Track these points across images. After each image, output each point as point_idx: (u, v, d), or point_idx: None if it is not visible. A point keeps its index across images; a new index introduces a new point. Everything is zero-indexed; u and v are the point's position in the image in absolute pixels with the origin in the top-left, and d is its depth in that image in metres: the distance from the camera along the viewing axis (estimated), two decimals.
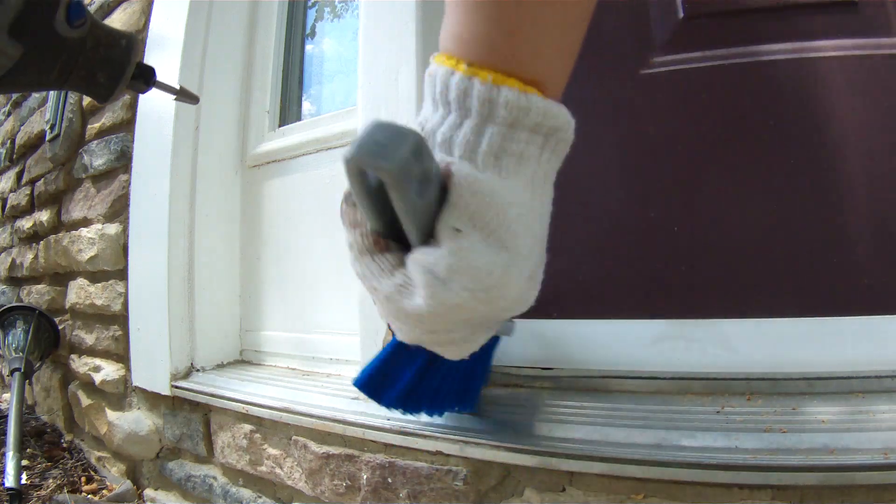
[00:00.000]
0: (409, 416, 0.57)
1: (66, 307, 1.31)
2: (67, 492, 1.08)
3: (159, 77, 0.55)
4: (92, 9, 1.28)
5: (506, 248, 0.28)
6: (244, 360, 1.02)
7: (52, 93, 1.36)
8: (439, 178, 0.28)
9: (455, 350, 0.35)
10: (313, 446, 0.69)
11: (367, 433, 0.62)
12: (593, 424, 0.49)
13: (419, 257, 0.28)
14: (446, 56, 0.30)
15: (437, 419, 0.56)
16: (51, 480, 1.12)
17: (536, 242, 0.31)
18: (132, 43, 0.50)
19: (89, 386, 1.19)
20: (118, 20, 1.18)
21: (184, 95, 0.62)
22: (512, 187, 0.29)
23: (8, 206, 1.73)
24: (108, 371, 1.11)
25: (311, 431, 0.69)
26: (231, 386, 0.83)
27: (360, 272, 0.31)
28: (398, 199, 0.27)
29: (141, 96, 1.06)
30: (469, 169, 0.28)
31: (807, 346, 0.52)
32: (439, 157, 0.29)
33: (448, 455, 0.56)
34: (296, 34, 1.09)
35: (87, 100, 1.25)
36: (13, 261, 1.68)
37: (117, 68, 0.49)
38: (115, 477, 1.10)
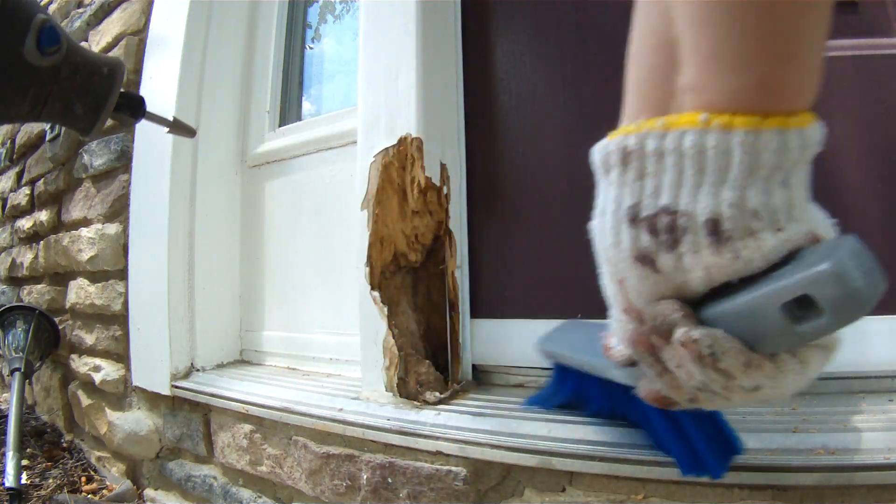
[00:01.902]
0: (412, 417, 0.57)
1: (66, 307, 1.31)
2: (67, 492, 1.08)
3: (158, 87, 0.52)
4: (92, 9, 1.28)
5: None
6: (244, 359, 1.02)
7: None
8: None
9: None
10: (313, 446, 0.69)
11: (367, 433, 0.62)
12: (593, 424, 0.49)
13: (792, 366, 0.27)
14: (689, 117, 0.26)
15: (436, 419, 0.56)
16: (51, 480, 1.12)
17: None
18: (115, 71, 0.45)
19: (89, 386, 1.19)
20: (118, 20, 1.18)
21: (178, 128, 0.57)
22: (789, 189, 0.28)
23: (8, 205, 1.73)
24: (108, 371, 1.11)
25: (311, 431, 0.69)
26: (231, 386, 0.83)
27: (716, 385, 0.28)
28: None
29: (141, 92, 1.06)
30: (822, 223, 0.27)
31: None
32: (797, 229, 0.26)
33: (448, 455, 0.56)
34: (296, 34, 1.09)
35: None
36: (13, 261, 1.68)
37: (97, 99, 0.44)
38: (115, 477, 1.10)
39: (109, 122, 0.60)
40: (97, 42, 1.24)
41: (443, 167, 0.69)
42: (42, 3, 1.60)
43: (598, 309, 0.62)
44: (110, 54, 1.16)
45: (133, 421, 1.03)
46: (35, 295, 1.50)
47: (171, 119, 0.54)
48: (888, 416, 0.44)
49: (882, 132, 0.54)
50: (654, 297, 0.28)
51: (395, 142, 0.67)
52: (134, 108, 0.48)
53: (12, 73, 0.39)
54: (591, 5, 0.67)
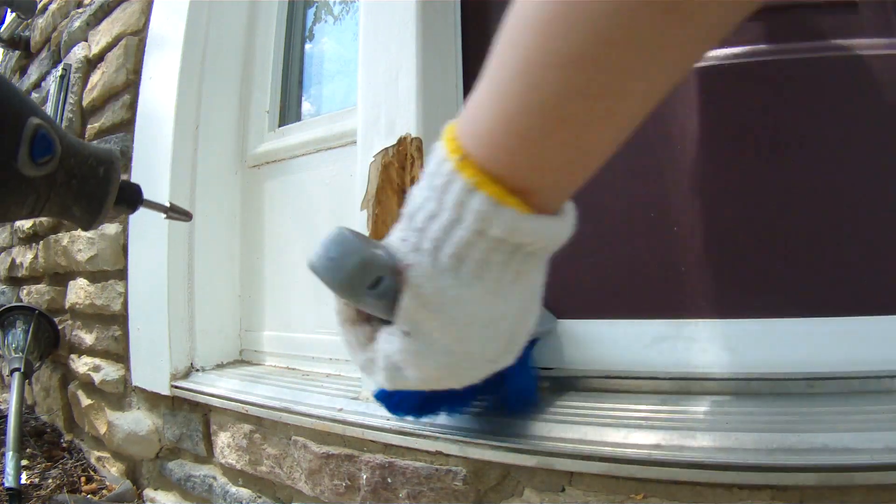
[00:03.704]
0: (411, 416, 0.57)
1: (66, 307, 1.31)
2: (67, 492, 1.08)
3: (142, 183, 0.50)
4: (91, 9, 1.28)
5: (452, 353, 0.28)
6: (244, 359, 1.02)
7: (51, 92, 1.35)
8: (396, 278, 0.28)
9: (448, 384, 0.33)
10: (313, 446, 0.69)
11: (367, 433, 0.62)
12: (593, 424, 0.49)
13: (381, 344, 0.30)
14: (453, 136, 0.28)
15: (437, 419, 0.56)
16: (50, 480, 1.12)
17: (499, 338, 0.30)
18: (110, 170, 0.45)
19: (89, 386, 1.19)
20: (118, 20, 1.18)
21: (175, 212, 0.56)
22: (469, 293, 0.28)
23: None
24: (107, 371, 1.11)
25: (311, 431, 0.69)
26: (231, 386, 0.83)
27: (342, 339, 0.33)
28: (354, 303, 0.30)
29: (140, 92, 1.06)
30: (425, 271, 0.27)
31: (807, 346, 0.52)
32: (404, 251, 0.28)
33: (448, 455, 0.56)
34: (295, 34, 1.09)
35: (87, 99, 1.25)
36: (13, 261, 1.68)
37: (94, 202, 0.44)
38: (114, 477, 1.10)
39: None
40: (97, 42, 1.24)
41: None
42: (41, 5, 1.60)
43: (590, 309, 0.62)
44: (109, 55, 1.16)
45: (133, 421, 1.03)
46: (35, 295, 1.50)
47: (167, 205, 0.55)
48: (888, 416, 0.44)
49: (882, 132, 0.54)
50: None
51: (394, 142, 0.67)
52: (131, 200, 0.49)
53: (8, 187, 0.39)
54: None
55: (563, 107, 0.24)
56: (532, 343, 0.51)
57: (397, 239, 0.29)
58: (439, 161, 0.28)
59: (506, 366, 0.31)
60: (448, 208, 0.27)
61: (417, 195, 0.29)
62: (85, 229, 0.46)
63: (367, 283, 0.28)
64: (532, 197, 0.27)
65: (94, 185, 0.44)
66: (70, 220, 0.45)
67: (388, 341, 0.29)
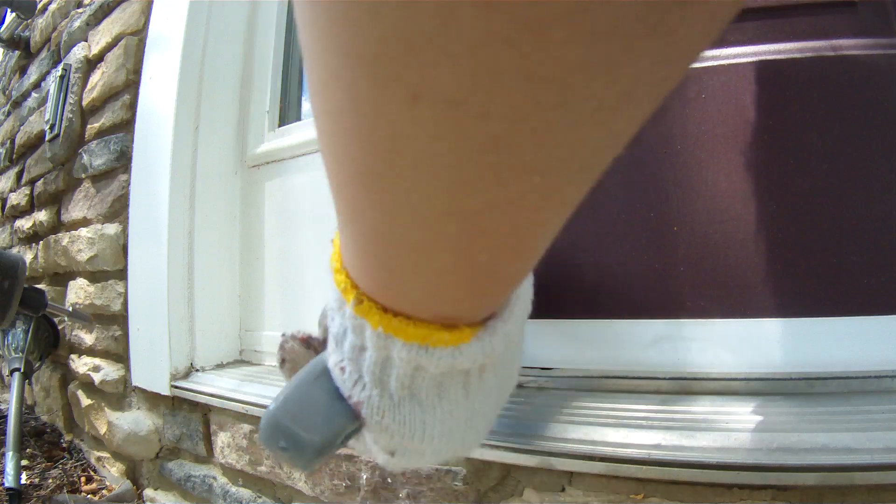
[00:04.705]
0: None
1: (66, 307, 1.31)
2: (67, 492, 1.08)
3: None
4: (91, 9, 1.28)
5: (439, 452, 0.28)
6: (244, 359, 1.02)
7: (51, 92, 1.35)
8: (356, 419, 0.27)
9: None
10: None
11: None
12: (593, 424, 0.49)
13: (371, 448, 0.28)
14: (340, 265, 0.24)
15: None
16: (50, 480, 1.12)
17: (481, 427, 0.29)
18: (14, 285, 0.53)
19: (89, 386, 1.19)
20: (117, 20, 1.18)
21: (76, 317, 0.67)
22: (435, 413, 0.26)
23: (7, 206, 1.72)
24: (107, 371, 1.11)
25: None
26: (231, 386, 0.83)
27: None
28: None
29: (140, 92, 1.06)
30: (380, 408, 0.25)
31: (807, 346, 0.52)
32: (348, 384, 0.26)
33: None
34: (296, 34, 1.09)
35: (86, 99, 1.25)
36: None
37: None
38: (114, 477, 1.10)
39: None
40: (97, 42, 1.24)
41: None
42: (41, 5, 1.60)
43: (590, 309, 0.62)
44: (108, 55, 1.16)
45: (132, 421, 1.03)
46: None
47: (69, 308, 0.64)
48: (888, 416, 0.44)
49: (881, 133, 0.54)
50: None
51: None
52: (35, 305, 0.58)
53: None
54: None
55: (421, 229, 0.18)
56: None
57: (335, 364, 0.26)
58: (339, 298, 0.24)
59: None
60: (372, 347, 0.23)
61: (334, 317, 0.25)
62: None
63: (332, 450, 0.26)
64: (458, 320, 0.22)
65: None
66: None
67: (377, 452, 0.28)
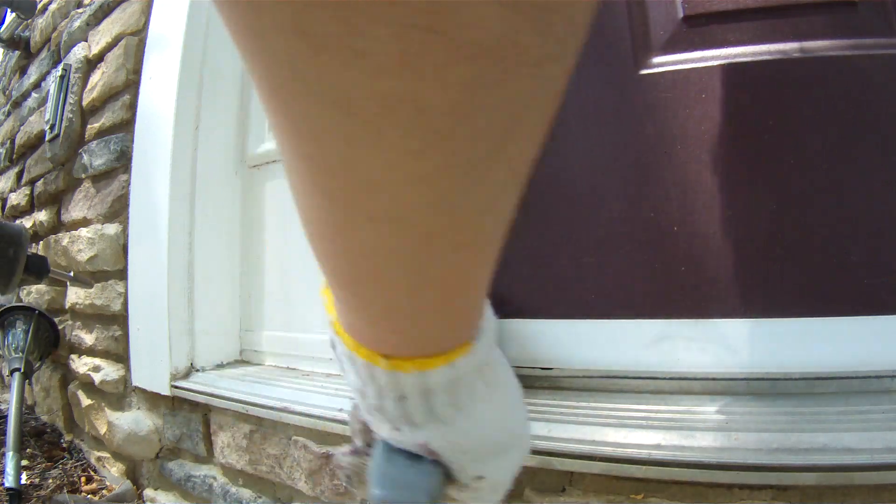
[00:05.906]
0: None
1: (66, 307, 1.31)
2: (67, 492, 1.08)
3: None
4: (91, 9, 1.28)
5: (506, 452, 0.32)
6: (244, 359, 1.02)
7: (51, 93, 1.35)
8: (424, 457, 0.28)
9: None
10: (313, 446, 0.69)
11: None
12: (593, 424, 0.49)
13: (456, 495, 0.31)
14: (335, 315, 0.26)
15: None
16: (51, 480, 1.12)
17: (516, 409, 0.32)
18: (19, 252, 0.57)
19: (89, 386, 1.19)
20: (117, 20, 1.18)
21: (77, 280, 0.73)
22: (477, 409, 0.27)
23: (8, 206, 1.73)
24: (107, 371, 1.11)
25: (311, 431, 0.69)
26: (231, 386, 0.83)
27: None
28: None
29: (140, 92, 1.06)
30: (442, 434, 0.27)
31: (807, 346, 0.52)
32: (414, 442, 0.27)
33: None
34: None
35: (86, 99, 1.25)
36: None
37: (3, 278, 0.57)
38: (114, 477, 1.10)
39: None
40: (97, 42, 1.24)
41: None
42: (41, 5, 1.60)
43: (590, 309, 0.62)
44: (108, 55, 1.16)
45: (133, 421, 1.03)
46: (35, 295, 1.50)
47: (70, 274, 0.72)
48: (888, 416, 0.44)
49: (881, 133, 0.54)
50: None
51: None
52: (39, 270, 0.62)
53: None
54: None
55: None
56: None
57: (390, 433, 0.27)
58: (348, 352, 0.26)
59: None
60: (411, 389, 0.25)
61: (365, 392, 0.26)
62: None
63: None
64: (453, 345, 0.25)
65: (3, 262, 0.57)
66: None
67: (470, 481, 0.30)
